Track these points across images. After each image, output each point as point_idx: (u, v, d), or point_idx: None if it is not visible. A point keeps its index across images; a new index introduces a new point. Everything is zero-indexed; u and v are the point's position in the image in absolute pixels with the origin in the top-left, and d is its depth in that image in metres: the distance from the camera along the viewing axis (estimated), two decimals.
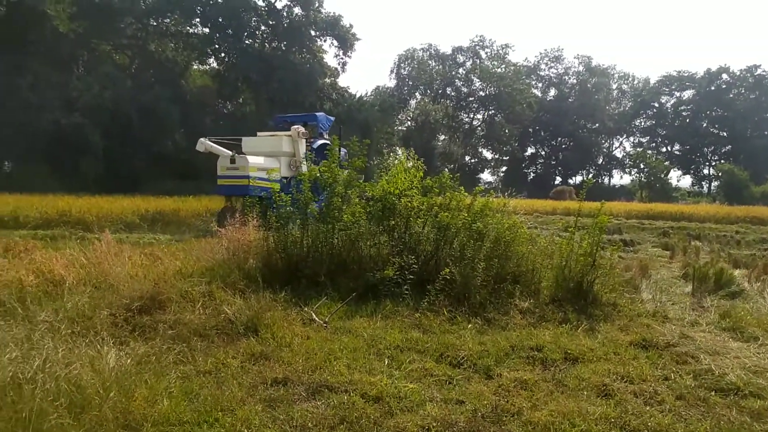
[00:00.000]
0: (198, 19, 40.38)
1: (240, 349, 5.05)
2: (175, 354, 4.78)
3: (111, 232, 10.29)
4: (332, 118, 20.41)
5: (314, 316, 6.10)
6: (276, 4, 41.58)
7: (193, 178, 33.01)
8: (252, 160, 15.26)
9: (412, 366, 4.81)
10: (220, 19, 39.55)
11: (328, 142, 16.19)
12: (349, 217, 7.73)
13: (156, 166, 34.23)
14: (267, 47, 42.47)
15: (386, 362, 4.89)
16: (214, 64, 43.45)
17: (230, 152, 16.04)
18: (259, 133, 18.03)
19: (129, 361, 4.31)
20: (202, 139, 17.14)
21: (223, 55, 41.85)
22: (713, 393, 4.49)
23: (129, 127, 33.38)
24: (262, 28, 42.38)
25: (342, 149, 11.53)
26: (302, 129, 16.79)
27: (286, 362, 4.76)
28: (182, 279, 6.78)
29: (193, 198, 21.57)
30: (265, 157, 16.02)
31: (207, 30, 40.71)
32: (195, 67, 43.51)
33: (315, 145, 16.75)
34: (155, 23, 39.25)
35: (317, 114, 19.73)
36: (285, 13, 41.80)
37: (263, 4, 41.22)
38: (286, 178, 15.52)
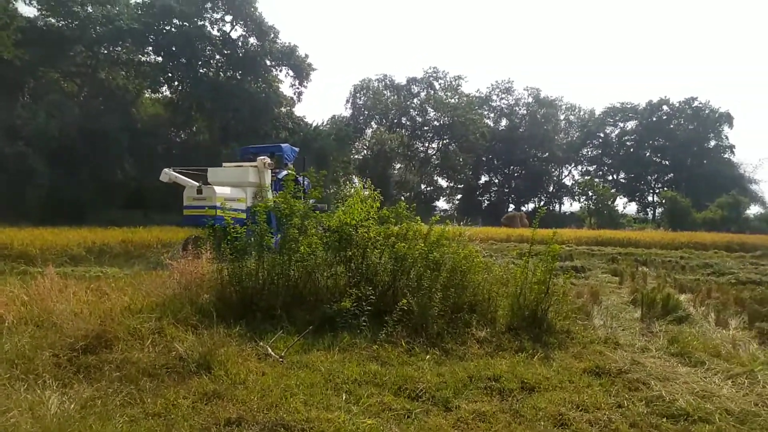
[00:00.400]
0: (150, 48, 39.85)
1: (192, 388, 4.85)
2: (123, 396, 4.57)
3: (55, 265, 9.87)
4: (297, 149, 20.58)
5: (270, 350, 5.95)
6: (231, 34, 41.58)
7: (142, 207, 32.21)
8: (219, 190, 15.05)
9: (370, 400, 4.73)
10: (174, 48, 39.12)
11: (293, 172, 16.27)
12: (305, 249, 7.64)
13: (104, 196, 33.23)
14: (222, 76, 42.20)
15: (344, 397, 4.80)
16: (167, 93, 42.86)
17: (195, 183, 15.84)
18: (224, 164, 17.94)
19: (72, 405, 4.10)
20: (166, 170, 17.05)
21: (176, 83, 41.33)
22: (665, 419, 4.60)
23: (76, 155, 32.37)
24: (217, 57, 42.16)
25: (306, 180, 11.64)
26: (268, 160, 16.78)
27: (241, 400, 4.61)
28: (131, 315, 6.51)
29: (143, 229, 20.96)
30: (232, 187, 15.81)
31: (160, 58, 40.20)
32: (147, 95, 42.78)
33: (280, 176, 16.74)
34: (106, 51, 38.49)
35: (282, 145, 19.90)
36: (240, 43, 41.79)
37: (218, 34, 41.12)
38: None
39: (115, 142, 33.66)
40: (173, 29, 39.13)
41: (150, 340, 5.81)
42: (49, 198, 30.53)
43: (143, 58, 40.35)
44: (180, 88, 41.18)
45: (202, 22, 40.24)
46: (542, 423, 4.44)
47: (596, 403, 4.85)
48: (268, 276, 7.54)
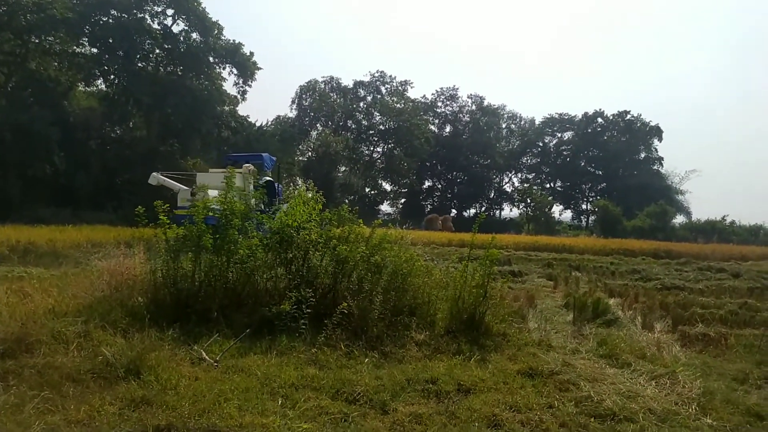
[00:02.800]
0: (86, 39, 38.04)
1: (119, 394, 4.64)
2: (42, 402, 4.30)
3: None
4: (275, 159, 22.80)
5: (204, 354, 5.77)
6: (173, 28, 40.26)
7: (72, 205, 30.69)
8: (211, 193, 15.63)
9: (306, 404, 4.67)
10: (111, 40, 37.49)
11: (271, 179, 19.54)
12: (245, 251, 7.47)
13: (31, 192, 31.45)
14: (162, 71, 40.80)
15: (280, 402, 4.72)
16: (103, 86, 40.98)
17: (182, 186, 17.48)
18: (211, 170, 20.14)
19: None
20: (154, 174, 18.46)
21: (112, 76, 39.56)
22: (593, 419, 4.77)
23: (1, 148, 30.51)
24: (157, 51, 40.69)
25: (278, 185, 12.27)
26: (252, 167, 18.31)
27: (171, 407, 4.44)
28: (55, 318, 6.17)
29: (72, 227, 19.97)
30: (220, 191, 16.51)
31: (96, 50, 38.45)
32: (81, 88, 40.81)
33: (261, 182, 18.13)
34: (37, 40, 36.42)
35: (263, 154, 21.78)
36: (182, 38, 40.50)
37: (158, 28, 39.69)
38: None
39: (44, 136, 31.90)
40: (111, 20, 37.54)
41: (75, 344, 5.54)
42: None
43: (77, 50, 38.45)
44: (116, 81, 39.46)
45: (142, 15, 38.77)
46: (476, 424, 4.52)
47: (528, 404, 4.97)
48: (205, 278, 7.32)
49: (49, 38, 36.71)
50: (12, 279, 10.01)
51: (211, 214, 7.83)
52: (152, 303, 6.97)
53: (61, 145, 33.98)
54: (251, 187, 16.96)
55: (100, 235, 18.31)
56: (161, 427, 4.09)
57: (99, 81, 40.49)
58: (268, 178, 19.53)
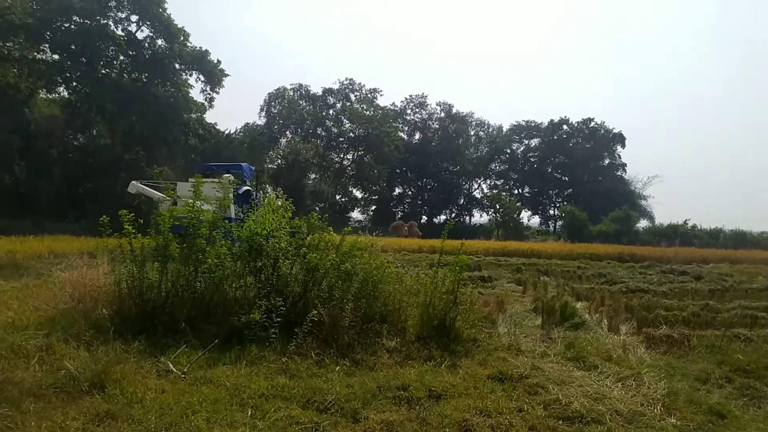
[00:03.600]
0: (47, 45, 37.07)
1: (83, 408, 4.51)
2: (0, 419, 4.15)
3: None
4: (254, 168, 23.05)
5: (171, 366, 5.66)
6: (137, 35, 39.59)
7: (33, 215, 29.81)
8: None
9: (277, 415, 4.62)
10: (73, 46, 36.61)
11: (250, 188, 19.83)
12: (213, 260, 7.35)
13: None
14: (126, 78, 40.00)
15: (249, 413, 4.65)
16: (65, 93, 39.97)
17: (162, 195, 17.12)
18: (190, 180, 19.61)
19: None
20: (134, 182, 18.58)
21: (74, 83, 38.58)
22: (561, 422, 4.84)
23: None
24: (121, 57, 39.93)
25: (257, 195, 12.31)
26: (231, 177, 18.04)
27: (137, 420, 4.34)
28: (15, 331, 5.98)
29: (34, 238, 19.37)
30: (210, 202, 16.61)
31: (57, 56, 37.49)
32: (42, 95, 39.71)
33: (240, 191, 18.59)
34: None
35: (242, 164, 21.97)
36: (147, 45, 39.84)
37: (122, 34, 38.99)
38: None
39: (3, 145, 30.99)
40: (73, 26, 36.67)
41: (36, 358, 5.37)
42: None
43: (38, 56, 37.43)
44: (79, 88, 38.50)
45: (105, 21, 38.01)
46: (447, 430, 4.54)
47: (498, 408, 5.02)
48: (172, 288, 7.18)
49: (8, 44, 35.65)
50: None
51: (178, 223, 7.68)
52: (117, 314, 6.81)
53: (22, 154, 33.08)
54: (230, 196, 17.05)
55: (63, 245, 17.80)
56: None
57: (61, 88, 39.48)
58: (247, 188, 19.70)
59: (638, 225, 55.76)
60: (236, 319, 6.84)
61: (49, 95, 40.27)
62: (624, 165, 69.55)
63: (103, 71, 38.65)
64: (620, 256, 28.04)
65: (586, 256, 27.32)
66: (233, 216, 14.92)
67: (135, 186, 18.54)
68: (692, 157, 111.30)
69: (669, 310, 10.81)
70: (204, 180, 18.54)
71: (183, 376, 5.45)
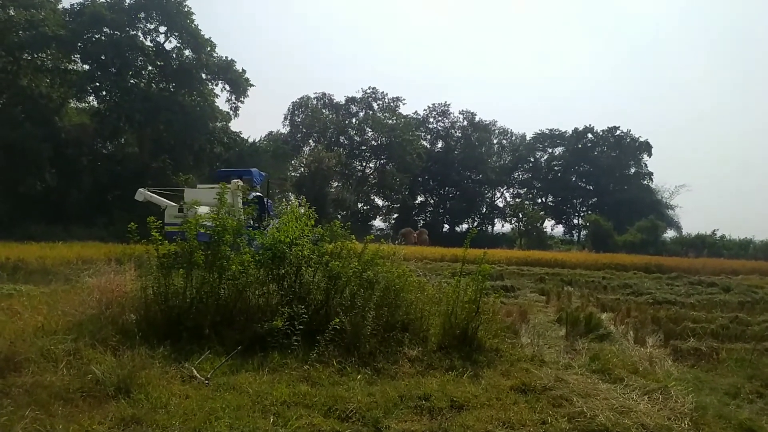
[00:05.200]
0: (78, 56, 38.15)
1: (108, 413, 4.58)
2: (29, 422, 4.24)
3: None
4: (264, 174, 22.49)
5: (195, 372, 5.72)
6: (165, 45, 40.48)
7: (63, 222, 30.54)
8: (200, 210, 15.69)
9: (299, 422, 4.63)
10: (103, 57, 37.61)
11: (260, 194, 19.41)
12: (237, 267, 7.43)
13: (21, 209, 31.33)
14: (154, 88, 40.88)
15: (272, 420, 4.67)
16: (94, 102, 41.02)
17: (169, 202, 17.26)
18: (199, 186, 20.16)
19: None
20: (141, 190, 18.42)
21: (104, 93, 39.60)
22: None
23: None
24: (149, 68, 40.88)
25: (268, 201, 12.21)
26: (241, 183, 18.20)
27: (161, 426, 4.39)
28: (44, 336, 6.11)
29: (63, 244, 19.83)
30: (209, 207, 16.58)
31: (87, 67, 38.52)
32: (72, 104, 40.80)
33: (250, 197, 18.21)
34: (29, 57, 36.49)
35: (252, 170, 21.72)
36: (175, 55, 40.72)
37: (151, 45, 39.92)
38: None
39: (35, 153, 31.91)
40: (103, 38, 37.70)
41: (64, 363, 5.47)
42: None
43: (69, 66, 38.57)
44: (108, 98, 39.49)
45: (135, 32, 39.01)
46: None
47: (522, 420, 4.96)
48: (196, 294, 7.27)
49: (42, 55, 36.80)
50: (1, 297, 9.91)
51: (202, 230, 7.78)
52: (143, 320, 6.91)
53: (53, 162, 33.96)
54: (240, 202, 17.02)
55: (91, 251, 18.19)
56: None
57: (91, 97, 40.60)
58: (257, 194, 19.62)
59: (665, 235, 54.89)
60: (259, 326, 6.89)
61: (79, 104, 41.43)
62: (650, 174, 68.49)
63: (131, 81, 39.59)
64: (647, 266, 27.53)
65: (612, 267, 26.89)
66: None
67: (142, 193, 18.46)
68: (721, 166, 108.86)
69: (697, 322, 10.59)
70: (209, 186, 18.74)
71: (206, 382, 5.51)
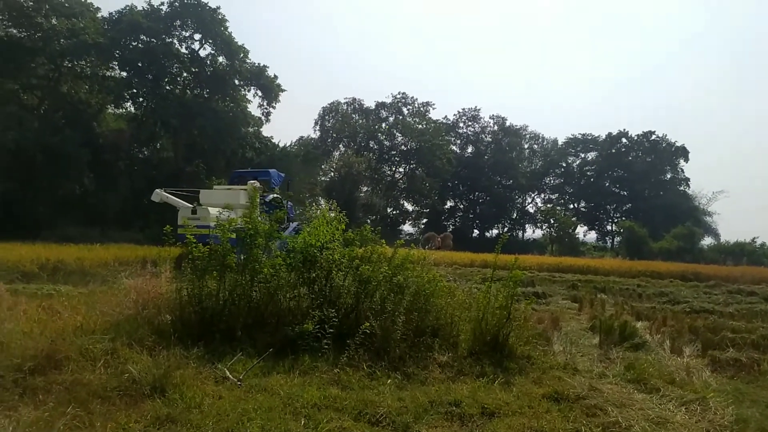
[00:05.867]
0: (116, 63, 39.28)
1: (144, 411, 4.68)
2: (70, 419, 4.37)
3: (6, 282, 9.48)
4: (283, 175, 22.11)
5: (228, 373, 5.80)
6: (200, 52, 41.35)
7: (100, 224, 31.37)
8: (212, 211, 15.75)
9: (329, 425, 4.65)
10: (140, 64, 38.66)
11: (278, 196, 19.14)
12: (269, 270, 7.52)
13: (60, 212, 32.30)
14: (188, 94, 41.80)
15: (303, 422, 4.71)
16: (131, 108, 42.18)
17: (185, 203, 17.09)
18: (215, 187, 19.85)
19: (15, 429, 3.88)
20: (158, 190, 18.42)
21: (141, 99, 40.72)
22: None
23: (33, 169, 31.47)
24: (184, 74, 41.82)
25: (289, 203, 12.23)
26: (257, 184, 17.88)
27: (195, 425, 4.47)
28: (83, 335, 6.28)
29: (100, 246, 20.36)
30: (223, 209, 16.49)
31: (125, 74, 39.63)
32: (110, 110, 41.99)
33: (267, 199, 18.19)
34: (69, 64, 37.73)
35: (270, 171, 21.41)
36: (209, 61, 41.57)
37: (186, 52, 40.84)
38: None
39: (74, 157, 32.85)
40: (140, 45, 38.73)
41: (102, 361, 5.61)
42: (1, 212, 29.46)
43: (108, 73, 39.72)
44: (145, 104, 40.59)
45: (171, 40, 39.97)
46: None
47: (554, 429, 4.88)
48: (229, 297, 7.38)
49: (81, 62, 37.98)
50: (41, 296, 10.23)
51: (232, 235, 7.86)
52: (178, 321, 7.04)
53: (91, 166, 34.94)
54: (257, 204, 17.16)
55: (127, 253, 18.64)
56: None
57: (128, 103, 41.77)
58: (275, 195, 19.42)
59: (702, 242, 53.35)
60: (290, 329, 6.95)
61: (116, 110, 42.59)
62: (687, 179, 66.82)
63: (167, 87, 40.55)
64: (683, 274, 26.77)
65: (647, 274, 26.22)
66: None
67: (159, 194, 18.47)
68: (761, 171, 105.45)
69: (736, 332, 10.25)
70: (225, 187, 18.72)
71: (239, 383, 5.58)
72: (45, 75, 37.07)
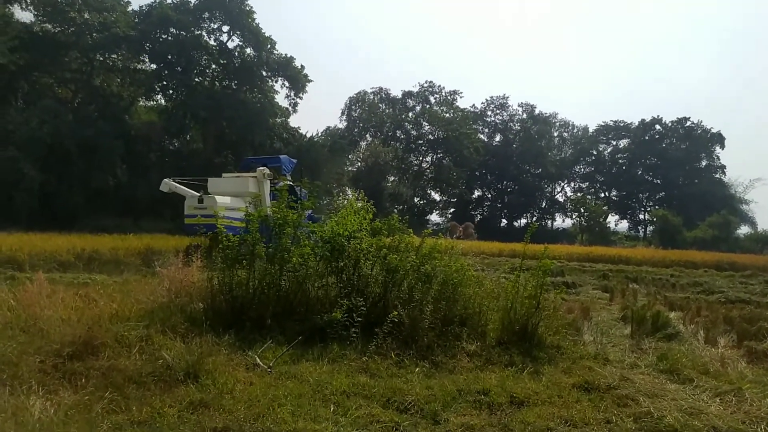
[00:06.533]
0: (146, 56, 39.94)
1: (178, 396, 4.79)
2: (107, 403, 4.50)
3: (44, 271, 9.76)
4: (294, 161, 21.44)
5: (258, 360, 5.90)
6: (228, 44, 41.76)
7: (133, 215, 32.07)
8: (220, 200, 15.54)
9: (358, 412, 4.69)
10: (169, 56, 39.26)
11: (290, 182, 17.63)
12: (297, 259, 7.59)
13: (94, 203, 33.12)
14: (217, 85, 42.30)
15: (332, 409, 4.76)
16: (162, 101, 42.90)
17: (194, 192, 16.63)
18: (224, 174, 19.11)
19: (56, 411, 4.03)
20: (166, 180, 18.05)
21: (171, 91, 41.41)
22: None
23: (68, 161, 32.29)
24: (213, 66, 42.32)
25: (303, 190, 12.01)
26: (267, 170, 17.37)
27: (227, 410, 4.55)
28: (118, 322, 6.44)
29: (134, 236, 20.82)
30: (232, 197, 16.17)
31: (155, 66, 40.28)
32: (141, 102, 42.78)
33: (278, 186, 17.32)
34: (101, 58, 38.52)
35: (281, 156, 20.75)
36: (237, 53, 41.96)
37: (215, 44, 41.28)
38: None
39: (108, 149, 33.61)
40: (170, 38, 39.30)
41: (137, 348, 5.75)
42: (38, 204, 30.35)
43: (138, 66, 40.45)
44: (175, 96, 41.24)
45: (199, 32, 40.45)
46: None
47: (585, 419, 4.83)
48: (258, 285, 7.48)
49: (113, 56, 38.74)
50: (78, 285, 10.53)
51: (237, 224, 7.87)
52: (210, 309, 7.18)
53: (123, 158, 35.67)
54: (267, 191, 16.81)
55: (160, 243, 19.00)
56: (218, 430, 4.20)
57: (158, 96, 42.48)
58: (287, 182, 18.86)
59: (739, 231, 51.87)
60: (318, 317, 7.02)
61: (147, 103, 43.38)
62: (723, 167, 64.83)
63: (196, 79, 41.11)
64: (718, 264, 26.13)
65: (681, 264, 25.65)
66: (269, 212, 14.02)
67: (167, 184, 18.09)
68: None
69: None
70: (234, 175, 18.16)
71: (269, 370, 5.67)
72: (78, 69, 37.93)
